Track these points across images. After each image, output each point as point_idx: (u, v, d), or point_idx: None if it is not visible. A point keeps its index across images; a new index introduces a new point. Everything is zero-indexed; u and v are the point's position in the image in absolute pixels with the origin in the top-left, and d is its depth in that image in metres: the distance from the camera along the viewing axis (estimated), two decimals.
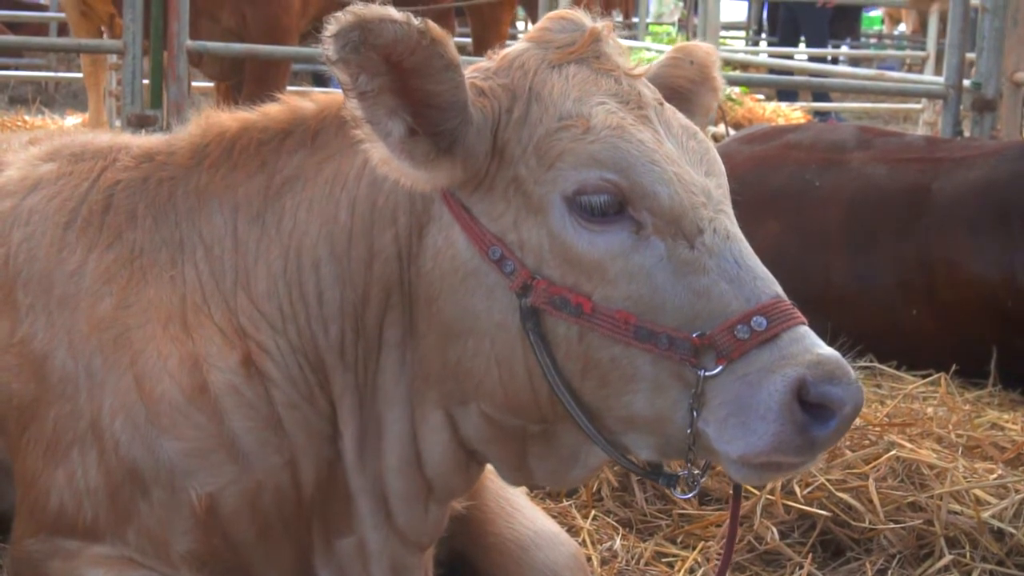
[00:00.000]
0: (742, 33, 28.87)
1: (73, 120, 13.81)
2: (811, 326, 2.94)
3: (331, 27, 2.89)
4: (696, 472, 3.05)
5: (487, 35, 12.36)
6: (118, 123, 11.22)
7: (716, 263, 2.94)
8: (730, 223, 3.03)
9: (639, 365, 2.96)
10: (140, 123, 8.82)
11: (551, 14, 3.25)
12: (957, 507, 4.39)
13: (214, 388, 3.22)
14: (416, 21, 2.93)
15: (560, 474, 3.33)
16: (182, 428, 3.21)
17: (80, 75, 19.52)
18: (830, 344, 2.94)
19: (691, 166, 3.05)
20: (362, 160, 3.20)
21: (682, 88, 3.42)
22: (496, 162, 3.07)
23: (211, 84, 12.52)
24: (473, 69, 3.17)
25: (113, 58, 14.33)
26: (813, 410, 2.83)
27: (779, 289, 2.96)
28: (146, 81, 9.22)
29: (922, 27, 23.20)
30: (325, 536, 3.39)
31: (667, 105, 3.18)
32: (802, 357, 2.85)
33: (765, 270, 2.99)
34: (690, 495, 3.10)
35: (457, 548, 3.78)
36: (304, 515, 3.34)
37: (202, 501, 3.21)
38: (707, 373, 2.88)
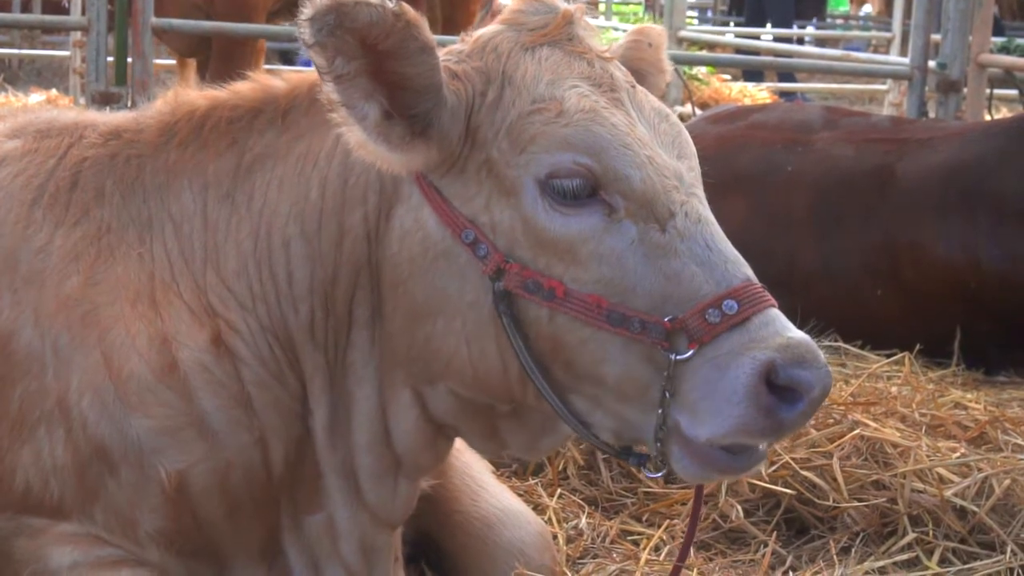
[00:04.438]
0: (709, 13, 28.86)
1: (37, 97, 13.73)
2: (780, 308, 2.97)
3: (307, 10, 2.91)
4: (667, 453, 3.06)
5: (456, 15, 12.33)
6: (82, 100, 11.15)
7: (687, 246, 2.97)
8: (701, 206, 3.05)
9: (609, 348, 2.98)
10: (104, 100, 8.77)
11: None
12: (920, 485, 4.41)
13: (183, 366, 3.22)
14: (391, 4, 2.94)
15: (533, 443, 3.36)
16: (151, 406, 3.21)
17: (43, 52, 19.45)
18: (797, 326, 2.98)
19: (663, 149, 3.07)
20: (333, 139, 3.21)
21: (642, 70, 3.44)
22: (469, 144, 3.09)
23: (174, 61, 12.44)
24: (446, 52, 3.18)
25: (77, 35, 14.27)
26: (781, 393, 2.86)
27: (750, 272, 2.99)
28: (111, 58, 9.18)
29: (888, 8, 23.25)
30: (294, 514, 3.40)
31: (639, 87, 3.20)
32: (772, 340, 2.89)
33: (736, 253, 3.01)
34: (659, 474, 3.12)
35: (423, 527, 3.79)
36: (273, 493, 3.35)
37: (171, 479, 3.21)
38: (679, 357, 2.91)
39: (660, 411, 2.95)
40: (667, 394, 2.93)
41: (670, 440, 2.99)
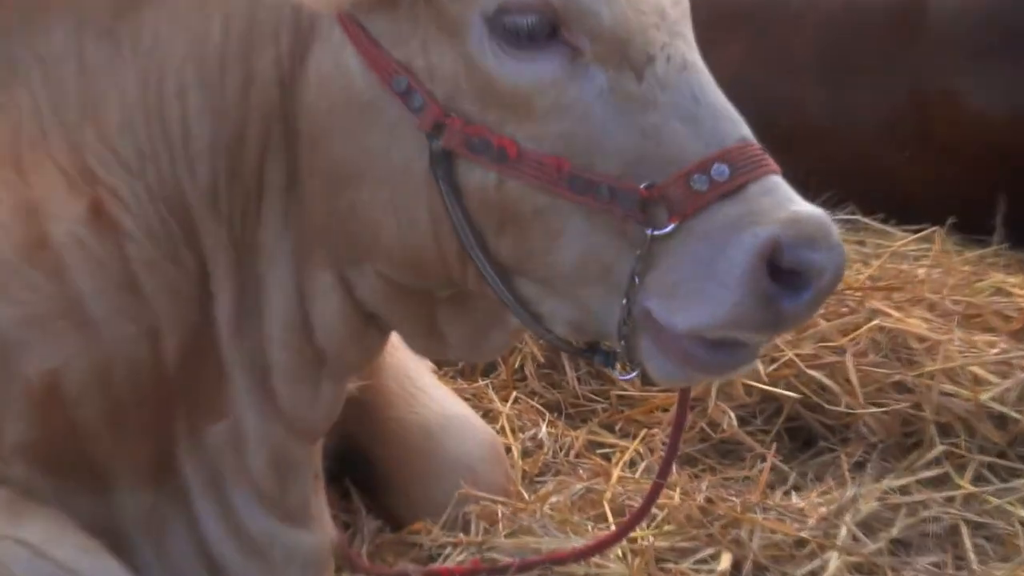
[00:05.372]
0: None
1: None
2: (785, 176, 2.92)
3: None
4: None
5: None
6: None
7: (669, 98, 2.91)
8: (688, 50, 2.99)
9: (569, 220, 2.94)
10: None
11: None
12: (951, 388, 4.44)
13: (55, 242, 3.19)
14: None
15: (478, 339, 3.35)
16: (15, 290, 3.18)
17: None
18: (805, 197, 2.93)
19: None
20: None
21: None
22: None
23: None
24: None
25: None
26: (785, 277, 2.81)
27: (747, 131, 2.92)
28: None
29: None
30: (191, 421, 3.38)
31: None
32: (774, 213, 2.82)
33: (731, 108, 2.95)
34: (631, 376, 3.10)
35: (350, 435, 3.80)
36: (165, 396, 3.32)
37: (40, 379, 3.19)
38: (656, 232, 2.86)
39: (625, 300, 2.91)
40: (636, 279, 2.88)
41: (639, 332, 2.95)
